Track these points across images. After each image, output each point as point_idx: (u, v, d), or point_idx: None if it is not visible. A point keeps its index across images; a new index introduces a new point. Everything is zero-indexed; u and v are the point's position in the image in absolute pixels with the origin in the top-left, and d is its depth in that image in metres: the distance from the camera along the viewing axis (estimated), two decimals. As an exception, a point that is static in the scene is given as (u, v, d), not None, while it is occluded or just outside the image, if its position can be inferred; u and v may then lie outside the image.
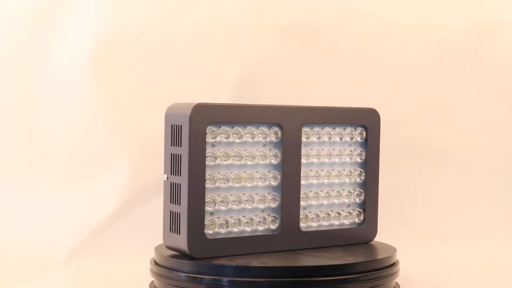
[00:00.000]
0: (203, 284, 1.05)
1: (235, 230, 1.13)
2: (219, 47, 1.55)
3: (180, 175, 1.08)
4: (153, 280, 1.16)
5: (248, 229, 1.14)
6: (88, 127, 1.53)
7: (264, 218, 1.15)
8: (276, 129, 1.15)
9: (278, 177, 1.16)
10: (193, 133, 1.06)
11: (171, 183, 1.10)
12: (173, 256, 1.10)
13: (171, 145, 1.09)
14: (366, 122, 1.24)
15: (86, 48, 1.54)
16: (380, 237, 1.34)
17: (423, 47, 1.59)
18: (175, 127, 1.08)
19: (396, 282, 1.17)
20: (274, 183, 1.16)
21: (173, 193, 1.09)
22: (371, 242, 1.27)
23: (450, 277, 1.34)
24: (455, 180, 1.58)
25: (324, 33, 1.58)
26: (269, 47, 1.56)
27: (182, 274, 1.08)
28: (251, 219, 1.14)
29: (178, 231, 1.08)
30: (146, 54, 1.54)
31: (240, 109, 1.12)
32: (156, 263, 1.13)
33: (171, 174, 1.10)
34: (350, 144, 1.24)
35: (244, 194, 1.14)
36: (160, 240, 1.26)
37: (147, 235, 1.47)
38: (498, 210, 1.57)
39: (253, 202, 1.14)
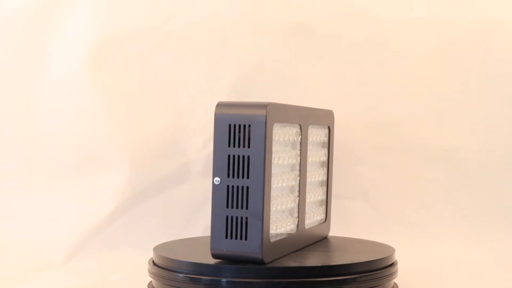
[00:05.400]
0: (202, 284, 1.05)
1: (279, 231, 1.11)
2: (217, 47, 1.55)
3: (247, 178, 1.02)
4: (151, 281, 1.16)
5: (283, 230, 1.13)
6: (86, 127, 1.53)
7: (290, 218, 1.15)
8: (297, 129, 1.15)
9: (299, 176, 1.16)
10: (268, 133, 1.02)
11: (228, 186, 1.03)
12: (171, 257, 1.10)
13: (230, 146, 1.02)
14: (329, 123, 1.29)
15: (83, 47, 1.53)
16: (379, 237, 1.34)
17: (423, 47, 1.59)
18: (238, 126, 1.02)
19: (394, 282, 1.17)
20: (294, 183, 1.15)
21: (234, 197, 1.03)
22: (369, 242, 1.29)
23: (449, 278, 1.34)
24: (454, 180, 1.57)
25: (323, 33, 1.57)
26: (267, 47, 1.56)
27: (180, 275, 1.07)
28: (282, 219, 1.13)
29: (243, 237, 1.03)
30: (144, 54, 1.54)
31: (291, 109, 1.11)
32: (154, 264, 1.13)
33: (229, 176, 1.03)
34: (318, 144, 1.28)
35: (278, 194, 1.11)
36: (158, 241, 1.26)
37: (145, 236, 1.48)
38: (498, 210, 1.56)
39: (286, 202, 1.13)
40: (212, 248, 1.05)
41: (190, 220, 1.52)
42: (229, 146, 1.03)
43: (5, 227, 1.50)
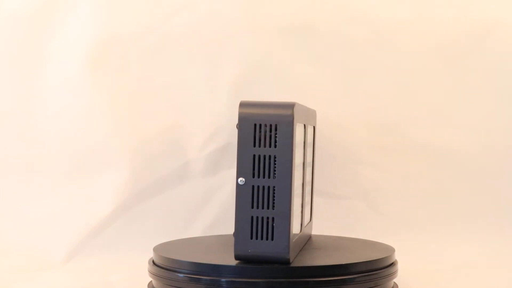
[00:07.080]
0: (201, 284, 1.05)
1: (294, 232, 1.11)
2: (218, 47, 1.55)
3: (273, 178, 1.01)
4: (151, 281, 1.16)
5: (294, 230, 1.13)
6: (86, 127, 1.53)
7: (295, 218, 1.15)
8: (302, 129, 1.15)
9: (302, 176, 1.16)
10: (294, 133, 1.02)
11: (253, 186, 1.02)
12: (171, 257, 1.10)
13: (255, 146, 1.01)
14: (315, 123, 1.30)
15: (83, 48, 1.53)
16: (379, 237, 1.34)
17: (423, 46, 1.59)
18: (264, 126, 1.01)
19: (394, 282, 1.17)
20: (299, 182, 1.15)
21: (260, 197, 1.02)
22: (369, 242, 1.29)
23: (449, 278, 1.34)
24: (454, 181, 1.57)
25: (323, 33, 1.57)
26: (267, 47, 1.56)
27: (180, 275, 1.07)
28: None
29: (269, 237, 1.02)
30: (145, 54, 1.54)
31: (302, 109, 1.11)
32: (154, 264, 1.13)
33: (254, 177, 1.02)
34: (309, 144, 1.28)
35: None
36: (158, 241, 1.26)
37: (145, 236, 1.48)
38: (497, 210, 1.56)
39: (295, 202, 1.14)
40: (236, 249, 1.04)
41: (190, 220, 1.52)
42: (254, 146, 1.02)
43: (5, 227, 1.50)
